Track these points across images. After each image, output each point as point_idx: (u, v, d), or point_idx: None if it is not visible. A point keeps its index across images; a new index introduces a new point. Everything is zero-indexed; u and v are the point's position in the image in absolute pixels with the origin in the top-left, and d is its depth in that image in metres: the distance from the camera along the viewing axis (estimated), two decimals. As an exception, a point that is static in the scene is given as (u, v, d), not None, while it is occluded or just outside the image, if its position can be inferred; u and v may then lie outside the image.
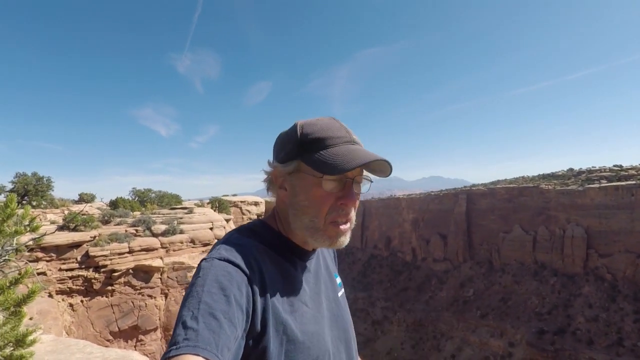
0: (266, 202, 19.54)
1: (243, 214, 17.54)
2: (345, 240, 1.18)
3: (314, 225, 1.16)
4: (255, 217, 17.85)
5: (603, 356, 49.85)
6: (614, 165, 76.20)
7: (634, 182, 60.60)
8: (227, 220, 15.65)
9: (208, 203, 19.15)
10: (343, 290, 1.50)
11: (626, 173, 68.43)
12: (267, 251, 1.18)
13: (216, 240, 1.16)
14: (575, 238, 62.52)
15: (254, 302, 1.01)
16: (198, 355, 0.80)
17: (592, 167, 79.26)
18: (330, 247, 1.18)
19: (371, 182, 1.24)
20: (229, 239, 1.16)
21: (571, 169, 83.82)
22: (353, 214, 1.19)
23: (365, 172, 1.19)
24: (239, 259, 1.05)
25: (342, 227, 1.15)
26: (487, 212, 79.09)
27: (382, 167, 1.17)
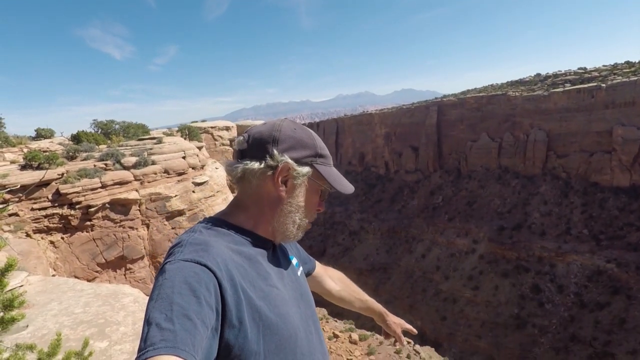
0: (238, 126, 19.00)
1: (215, 140, 17.11)
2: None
3: (301, 224, 1.38)
4: (228, 142, 17.47)
5: (552, 244, 56.62)
6: (579, 68, 77.48)
7: (595, 83, 62.46)
8: (200, 148, 15.28)
9: (177, 131, 18.44)
10: (301, 269, 1.66)
11: (589, 75, 70.08)
12: (231, 245, 1.22)
13: (176, 239, 1.27)
14: (537, 142, 65.98)
15: (224, 299, 1.03)
16: (178, 356, 0.81)
17: (558, 71, 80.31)
18: (293, 240, 1.42)
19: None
20: (190, 239, 1.17)
21: (538, 74, 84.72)
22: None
23: None
24: (205, 258, 1.07)
25: (309, 226, 1.42)
26: (457, 123, 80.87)
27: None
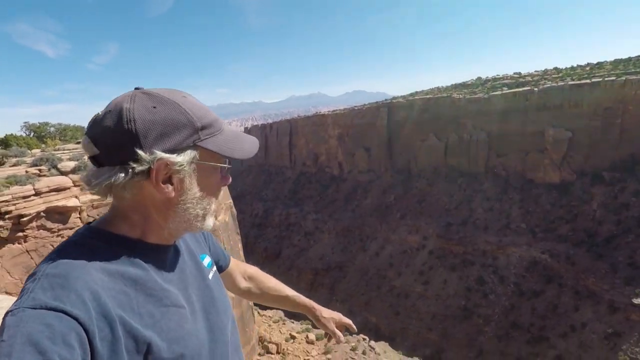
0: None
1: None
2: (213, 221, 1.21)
3: (206, 211, 1.13)
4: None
5: (494, 238, 60.22)
6: (514, 73, 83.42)
7: (528, 87, 67.46)
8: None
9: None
10: (215, 269, 1.45)
11: (524, 80, 75.57)
12: (109, 267, 0.96)
13: (34, 269, 0.95)
14: (479, 142, 69.89)
15: (94, 348, 0.80)
16: None
17: (497, 75, 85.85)
18: (203, 230, 1.16)
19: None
20: (48, 269, 0.88)
21: (479, 78, 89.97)
22: None
23: None
24: (63, 299, 0.80)
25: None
26: (406, 123, 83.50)
27: None
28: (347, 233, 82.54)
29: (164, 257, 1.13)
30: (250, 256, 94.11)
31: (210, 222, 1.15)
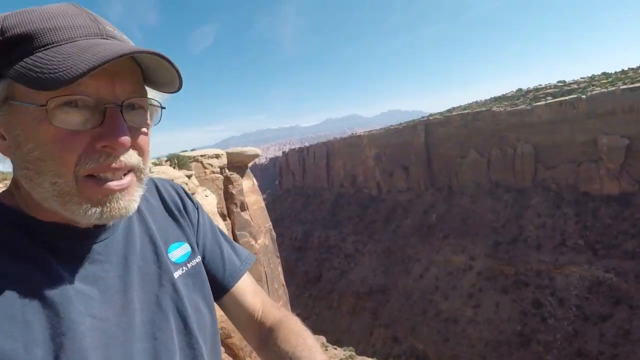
0: (227, 153, 18.68)
1: (205, 167, 16.77)
2: (126, 205, 0.69)
3: (61, 189, 0.63)
4: (218, 170, 17.10)
5: (549, 257, 56.29)
6: (558, 82, 79.91)
7: (575, 95, 64.20)
8: (189, 177, 14.90)
9: (166, 161, 18.02)
10: (198, 258, 1.01)
11: (569, 88, 72.14)
12: None
13: None
14: (524, 155, 66.81)
15: None
16: None
17: (539, 85, 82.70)
18: (101, 219, 0.67)
19: (161, 107, 0.78)
20: None
21: (520, 89, 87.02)
22: (134, 160, 0.68)
23: (142, 92, 0.72)
24: None
25: (111, 184, 0.65)
26: (445, 140, 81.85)
27: (162, 73, 0.71)
28: (389, 255, 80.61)
29: (87, 243, 0.74)
30: (290, 279, 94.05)
31: (120, 205, 0.67)
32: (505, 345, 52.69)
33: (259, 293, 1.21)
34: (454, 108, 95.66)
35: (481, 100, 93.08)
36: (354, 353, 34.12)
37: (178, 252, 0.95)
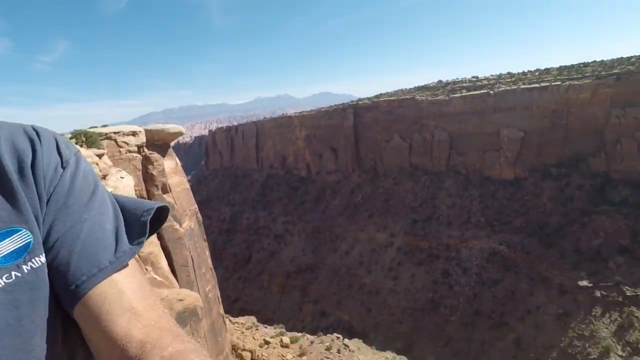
0: (147, 131, 17.72)
1: (119, 146, 15.69)
2: None
3: None
4: (135, 149, 16.24)
5: (457, 232, 63.31)
6: (472, 77, 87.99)
7: (485, 91, 71.52)
8: (100, 156, 13.94)
9: (71, 138, 16.48)
10: (41, 257, 0.69)
11: (481, 83, 79.97)
12: None
13: None
14: (441, 142, 73.17)
15: None
16: None
17: (456, 78, 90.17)
18: None
19: None
20: None
21: (440, 81, 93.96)
22: None
23: None
24: None
25: None
26: (372, 124, 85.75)
27: None
28: (317, 234, 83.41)
29: None
30: (219, 263, 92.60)
31: None
32: (419, 311, 58.81)
33: (145, 312, 0.69)
34: (381, 94, 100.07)
35: (406, 89, 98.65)
36: (284, 330, 35.42)
37: (4, 245, 0.63)
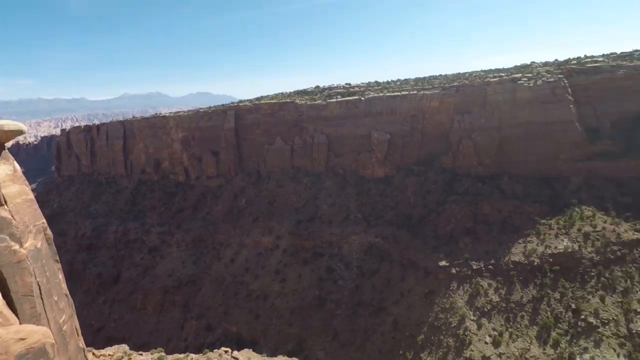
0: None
1: None
2: None
3: None
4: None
5: (338, 229, 67.10)
6: (345, 84, 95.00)
7: (357, 97, 77.96)
8: None
9: None
10: None
11: (353, 90, 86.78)
12: None
13: None
14: (320, 144, 76.77)
15: None
16: None
17: (332, 84, 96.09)
18: None
19: None
20: None
21: (317, 86, 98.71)
22: None
23: None
24: None
25: None
26: (254, 127, 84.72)
27: None
28: (199, 243, 78.17)
29: None
30: (77, 287, 78.51)
31: None
32: (307, 309, 60.24)
33: None
34: (262, 97, 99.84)
35: (286, 92, 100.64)
36: (163, 354, 31.58)
37: None
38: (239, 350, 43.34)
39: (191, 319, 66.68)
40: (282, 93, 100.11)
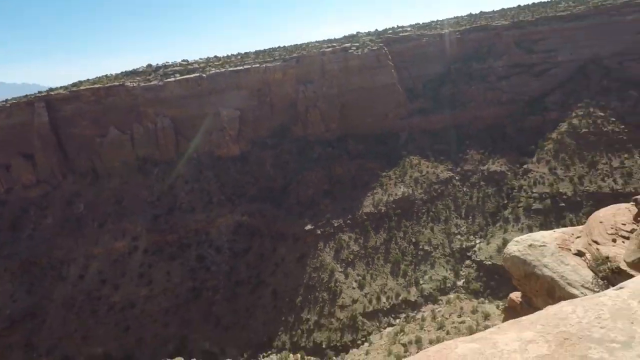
0: None
1: None
2: None
3: None
4: None
5: (202, 216, 64.27)
6: (182, 60, 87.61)
7: (198, 74, 73.21)
8: None
9: None
10: None
11: (192, 67, 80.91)
12: None
13: None
14: (165, 129, 70.18)
15: None
16: None
17: (167, 62, 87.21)
18: None
19: None
20: None
21: (150, 65, 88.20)
22: None
23: None
24: None
25: None
26: (77, 118, 71.37)
27: None
28: (30, 267, 63.79)
29: None
30: None
31: None
32: (184, 304, 56.94)
33: None
34: (81, 82, 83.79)
35: (112, 75, 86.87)
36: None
37: None
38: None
39: (39, 357, 55.37)
40: (106, 76, 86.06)
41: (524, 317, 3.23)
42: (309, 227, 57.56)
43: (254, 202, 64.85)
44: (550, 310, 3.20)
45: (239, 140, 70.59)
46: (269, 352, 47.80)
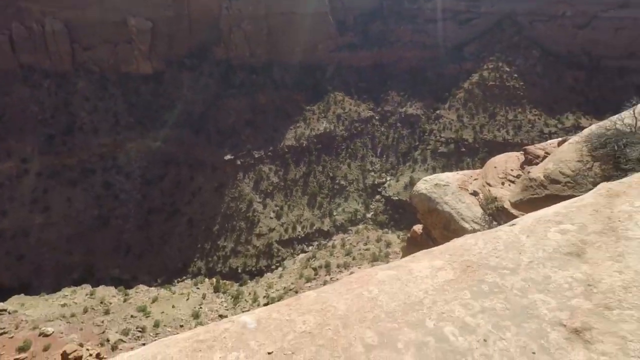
0: None
1: None
2: None
3: None
4: None
5: (108, 139, 58.32)
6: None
7: (97, -33, 60.72)
8: None
9: None
10: None
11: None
12: None
13: None
14: (57, 33, 58.99)
15: None
16: None
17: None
18: None
19: None
20: None
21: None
22: None
23: None
24: None
25: None
26: None
27: None
28: None
29: None
30: None
31: None
32: (88, 232, 53.48)
33: None
34: None
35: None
36: None
37: None
38: (3, 301, 37.24)
39: None
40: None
41: (435, 248, 3.78)
42: (228, 157, 56.29)
43: (169, 128, 60.38)
44: (457, 242, 3.76)
45: (151, 56, 62.83)
46: (184, 277, 48.62)
